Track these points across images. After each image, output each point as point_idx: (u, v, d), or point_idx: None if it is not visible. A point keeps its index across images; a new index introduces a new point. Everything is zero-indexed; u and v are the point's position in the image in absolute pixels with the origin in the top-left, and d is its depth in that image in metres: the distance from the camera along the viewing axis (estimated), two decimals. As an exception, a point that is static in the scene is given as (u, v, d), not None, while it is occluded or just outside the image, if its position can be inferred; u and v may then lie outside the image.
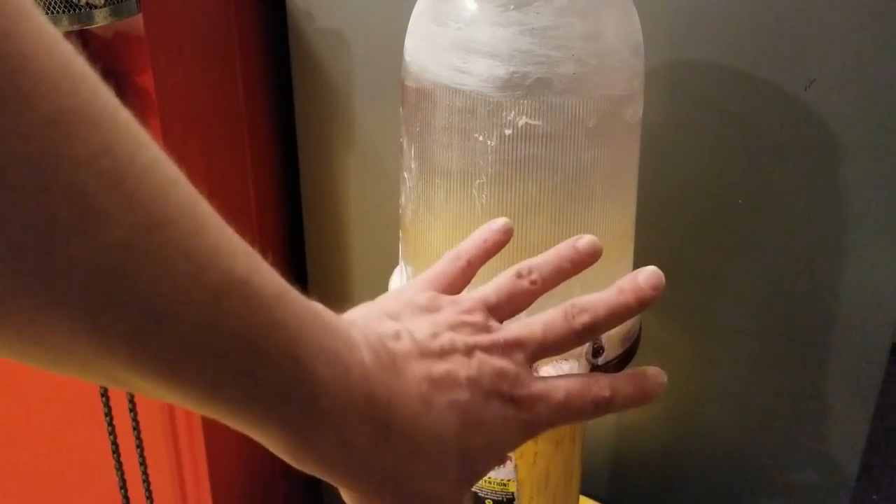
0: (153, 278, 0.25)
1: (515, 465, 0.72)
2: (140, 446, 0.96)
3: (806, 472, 0.93)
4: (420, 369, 0.36)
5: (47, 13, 0.70)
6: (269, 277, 0.30)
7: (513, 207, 0.62)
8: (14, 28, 0.22)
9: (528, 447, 0.72)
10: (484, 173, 0.62)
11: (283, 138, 1.08)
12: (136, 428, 0.94)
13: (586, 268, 0.42)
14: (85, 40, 0.81)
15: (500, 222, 0.45)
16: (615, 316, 0.39)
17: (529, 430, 0.38)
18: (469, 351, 0.37)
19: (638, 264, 0.73)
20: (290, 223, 1.12)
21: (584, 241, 0.42)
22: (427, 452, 0.35)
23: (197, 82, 0.92)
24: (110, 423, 0.92)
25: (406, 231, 0.71)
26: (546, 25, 0.58)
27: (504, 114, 0.60)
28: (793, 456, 0.93)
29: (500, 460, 0.39)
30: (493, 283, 0.41)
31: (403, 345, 0.36)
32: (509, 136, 0.60)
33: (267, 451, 0.34)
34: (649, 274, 0.40)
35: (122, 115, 0.25)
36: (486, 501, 0.74)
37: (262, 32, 1.01)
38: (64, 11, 0.71)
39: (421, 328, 0.37)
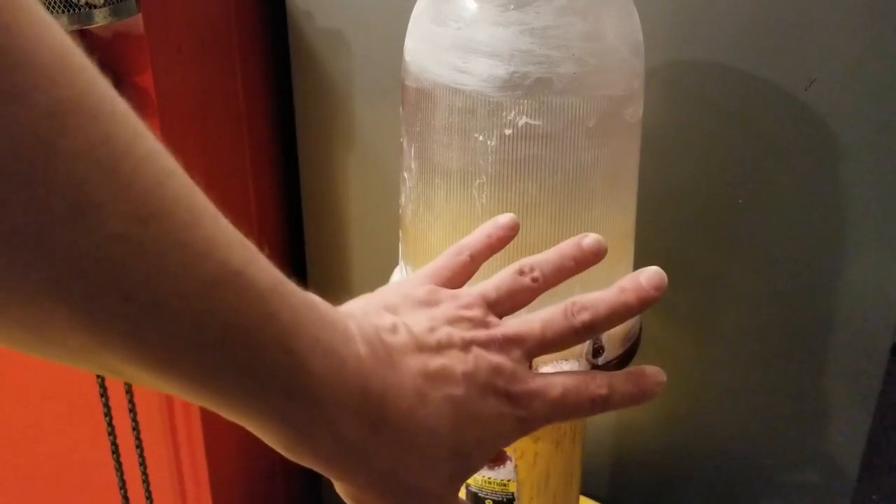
0: (148, 269, 0.26)
1: (515, 466, 0.72)
2: (139, 446, 0.95)
3: (806, 472, 0.93)
4: (416, 363, 0.36)
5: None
6: (264, 269, 0.30)
7: (513, 207, 0.62)
8: (12, 21, 0.22)
9: (529, 447, 0.72)
10: (484, 173, 0.62)
11: (283, 138, 1.08)
12: (136, 428, 0.94)
13: (590, 266, 0.42)
14: (84, 40, 0.81)
15: (505, 218, 0.45)
16: (616, 315, 0.39)
17: (525, 426, 0.38)
18: (466, 346, 0.37)
19: (638, 264, 0.73)
20: (290, 223, 1.12)
21: (589, 239, 0.42)
22: (421, 446, 0.35)
23: (197, 82, 0.92)
24: (110, 424, 0.92)
25: (406, 231, 0.71)
26: (546, 25, 0.58)
27: (504, 114, 0.60)
28: (793, 456, 0.93)
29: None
30: (493, 279, 0.41)
31: (400, 338, 0.36)
32: (509, 135, 0.60)
33: (267, 451, 0.34)
34: (652, 274, 0.40)
35: (120, 107, 0.25)
36: (487, 502, 0.74)
37: (262, 32, 1.01)
38: (64, 11, 0.71)
39: (418, 322, 0.37)
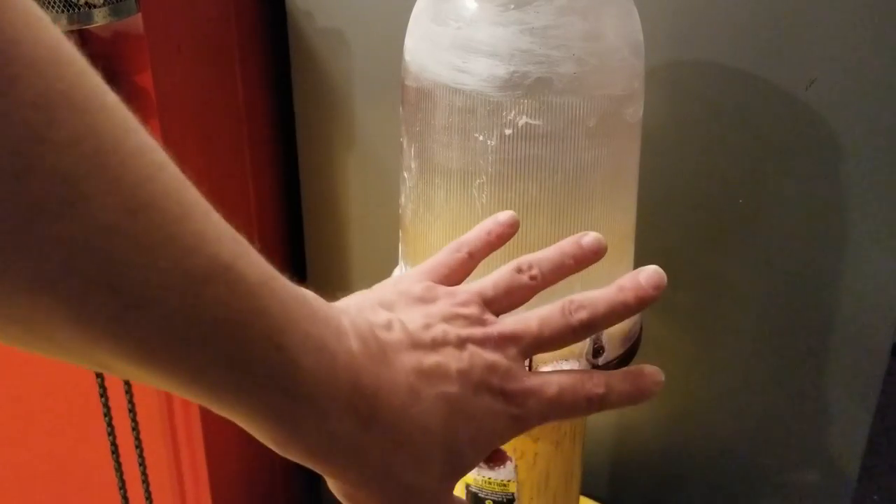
0: (136, 262, 0.25)
1: (516, 466, 0.72)
2: (139, 446, 0.95)
3: (806, 472, 0.93)
4: (410, 360, 0.35)
5: (46, 13, 0.70)
6: (255, 264, 0.30)
7: (513, 207, 0.62)
8: (1, 14, 0.22)
9: (529, 447, 0.72)
10: (484, 173, 0.62)
11: (283, 138, 1.07)
12: (136, 428, 0.94)
13: (590, 265, 0.42)
14: (84, 40, 0.81)
15: (506, 215, 0.45)
16: (614, 314, 0.39)
17: (520, 424, 0.38)
18: (461, 343, 0.37)
19: (638, 264, 0.73)
20: (290, 223, 1.12)
21: (589, 238, 0.42)
22: (413, 444, 0.35)
23: (196, 82, 0.92)
24: (109, 424, 0.92)
25: (406, 231, 0.71)
26: (546, 25, 0.58)
27: (504, 113, 0.60)
28: (793, 456, 0.93)
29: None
30: (491, 277, 0.41)
31: (394, 335, 0.36)
32: (509, 135, 0.60)
33: (267, 451, 0.34)
34: (651, 273, 0.39)
35: (110, 100, 0.25)
36: (487, 502, 0.74)
37: (262, 32, 1.01)
38: (63, 11, 0.71)
39: (414, 319, 0.37)
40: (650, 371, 0.40)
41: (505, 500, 0.73)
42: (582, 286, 0.45)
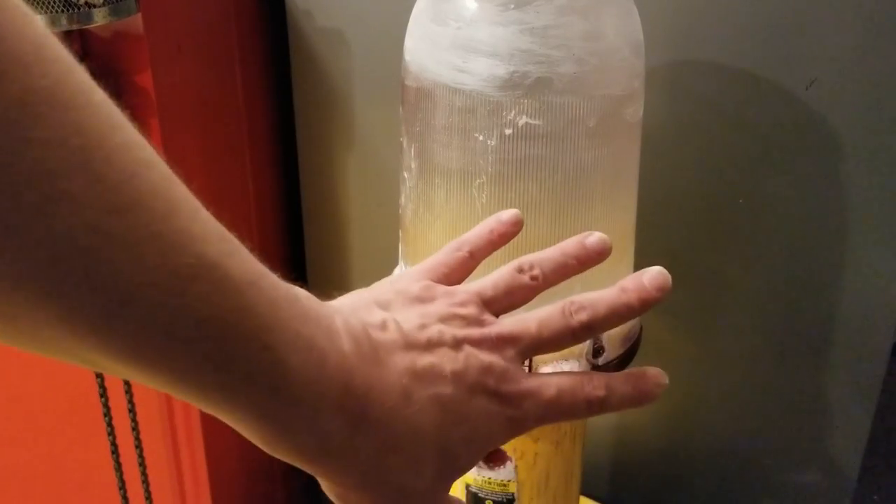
0: (120, 260, 0.25)
1: (516, 466, 0.72)
2: (139, 446, 0.95)
3: (806, 472, 0.93)
4: (403, 361, 0.35)
5: (46, 12, 0.70)
6: (243, 262, 0.29)
7: (513, 207, 0.62)
8: None
9: (529, 447, 0.72)
10: (484, 173, 0.62)
11: (283, 138, 1.08)
12: (136, 428, 0.94)
13: (594, 266, 0.41)
14: (84, 40, 0.81)
15: (509, 213, 0.44)
16: (616, 315, 0.38)
17: (516, 426, 0.37)
18: (457, 344, 0.37)
19: (638, 264, 0.73)
20: (290, 223, 1.12)
21: (594, 238, 0.41)
22: (405, 445, 0.35)
23: (196, 82, 0.92)
24: (109, 424, 0.92)
25: (406, 231, 0.71)
26: (546, 24, 0.58)
27: (504, 113, 0.60)
28: (793, 456, 0.93)
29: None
30: (491, 276, 0.40)
31: (388, 335, 0.35)
32: (509, 135, 0.60)
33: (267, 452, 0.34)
34: (655, 274, 0.39)
35: (96, 97, 0.25)
36: (487, 502, 0.74)
37: (262, 32, 1.01)
38: (63, 11, 0.71)
39: (409, 319, 0.37)
40: (653, 373, 0.40)
41: (505, 500, 0.73)
42: (582, 287, 0.45)
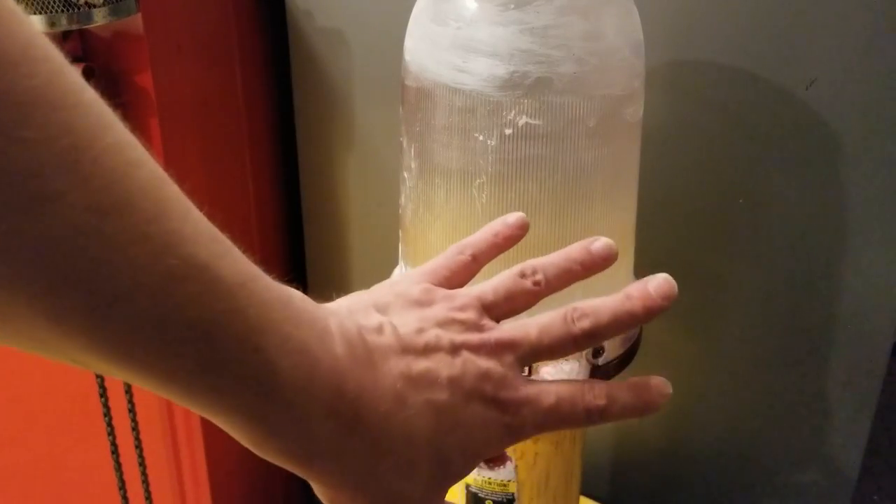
0: (109, 261, 0.25)
1: (516, 466, 0.72)
2: (139, 447, 0.95)
3: (806, 472, 0.93)
4: (398, 366, 0.34)
5: (46, 13, 0.70)
6: (234, 264, 0.29)
7: (513, 207, 0.62)
8: None
9: (529, 448, 0.72)
10: (484, 173, 0.62)
11: (283, 138, 1.07)
12: (135, 428, 0.94)
13: (599, 272, 0.40)
14: (84, 40, 0.81)
15: (515, 217, 0.43)
16: (619, 323, 0.38)
17: (513, 433, 0.37)
18: (455, 349, 0.36)
19: (638, 264, 0.73)
20: (290, 223, 1.12)
21: (600, 243, 0.40)
22: (398, 450, 0.34)
23: (197, 82, 0.92)
24: (109, 424, 0.92)
25: (406, 231, 0.71)
26: (546, 24, 0.58)
27: (504, 113, 0.60)
28: (793, 456, 0.93)
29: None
30: (492, 281, 0.39)
31: (384, 339, 0.35)
32: (509, 135, 0.60)
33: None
34: (661, 282, 0.38)
35: (86, 97, 0.25)
36: (487, 502, 0.74)
37: (262, 32, 1.01)
38: (63, 11, 0.71)
39: (406, 322, 0.36)
40: (656, 383, 0.38)
41: (505, 500, 0.73)
42: (582, 290, 0.44)
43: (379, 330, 0.35)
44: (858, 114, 0.78)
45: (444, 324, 0.37)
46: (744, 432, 0.94)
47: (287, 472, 0.34)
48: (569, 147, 0.61)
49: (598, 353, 0.66)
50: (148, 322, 0.27)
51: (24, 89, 0.23)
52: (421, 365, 0.35)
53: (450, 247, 0.42)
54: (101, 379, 0.90)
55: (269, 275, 0.32)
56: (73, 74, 0.25)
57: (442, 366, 0.35)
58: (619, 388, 0.38)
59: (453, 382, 0.35)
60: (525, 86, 0.59)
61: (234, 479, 1.09)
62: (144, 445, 0.96)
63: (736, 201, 0.85)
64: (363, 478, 0.34)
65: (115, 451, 0.94)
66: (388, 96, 0.94)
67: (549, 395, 0.37)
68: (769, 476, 0.95)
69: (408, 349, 0.35)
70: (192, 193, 0.29)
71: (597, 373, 0.66)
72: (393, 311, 0.37)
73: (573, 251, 0.40)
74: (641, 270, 0.74)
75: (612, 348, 0.67)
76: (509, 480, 0.72)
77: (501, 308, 0.39)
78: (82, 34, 0.80)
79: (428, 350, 0.35)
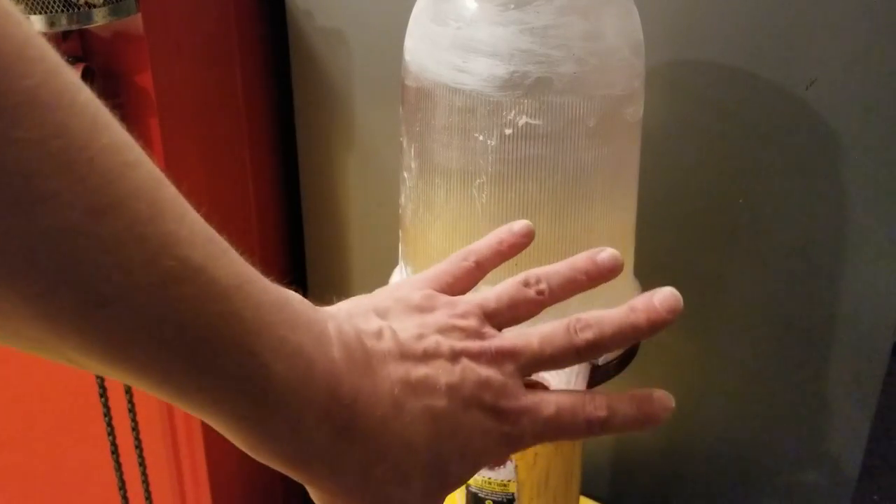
0: (100, 262, 0.25)
1: (516, 466, 0.72)
2: (139, 447, 0.95)
3: (806, 472, 0.93)
4: (397, 371, 0.34)
5: (46, 13, 0.70)
6: (230, 266, 0.29)
7: (513, 207, 0.62)
8: None
9: (528, 448, 0.72)
10: (484, 173, 0.62)
11: (283, 138, 1.08)
12: (135, 428, 0.94)
13: (604, 283, 0.40)
14: (84, 40, 0.81)
15: (521, 224, 0.43)
16: (622, 336, 0.37)
17: (512, 443, 0.36)
18: (455, 356, 0.36)
19: (638, 264, 0.73)
20: (290, 223, 1.12)
21: (605, 254, 0.40)
22: (393, 456, 0.34)
23: (196, 82, 0.92)
24: (109, 424, 0.92)
25: (406, 231, 0.71)
26: (546, 24, 0.58)
27: (504, 113, 0.60)
28: (793, 456, 0.93)
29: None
30: (495, 289, 0.39)
31: (383, 344, 0.35)
32: (509, 135, 0.60)
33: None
34: (666, 295, 0.37)
35: (82, 98, 0.25)
36: (487, 502, 0.74)
37: (262, 32, 1.01)
38: (63, 11, 0.71)
39: (407, 328, 0.36)
40: (659, 396, 0.38)
41: (505, 500, 0.73)
42: (582, 294, 0.44)
43: (378, 335, 0.35)
44: (858, 114, 0.78)
45: (445, 330, 0.36)
46: (744, 432, 0.94)
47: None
48: (569, 147, 0.61)
49: (598, 353, 0.66)
50: (142, 323, 0.27)
51: (18, 90, 0.23)
52: (420, 371, 0.35)
53: (453, 253, 0.42)
54: (101, 379, 0.90)
55: (269, 276, 0.32)
56: (69, 75, 0.25)
57: (441, 372, 0.35)
58: (621, 400, 0.37)
59: (452, 389, 0.35)
60: (525, 86, 0.59)
61: (234, 480, 1.09)
62: (144, 445, 0.96)
63: (736, 201, 0.85)
64: (359, 483, 0.34)
65: (115, 451, 0.94)
66: (388, 96, 0.94)
67: (549, 405, 0.36)
68: (769, 476, 0.95)
69: (407, 355, 0.35)
70: (191, 194, 0.29)
71: (597, 372, 0.66)
72: (393, 316, 0.37)
73: (578, 261, 0.40)
74: (641, 270, 0.74)
75: (612, 348, 0.67)
76: (509, 480, 0.72)
77: (504, 316, 0.38)
78: (82, 34, 0.80)
79: (427, 356, 0.35)
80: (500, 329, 0.38)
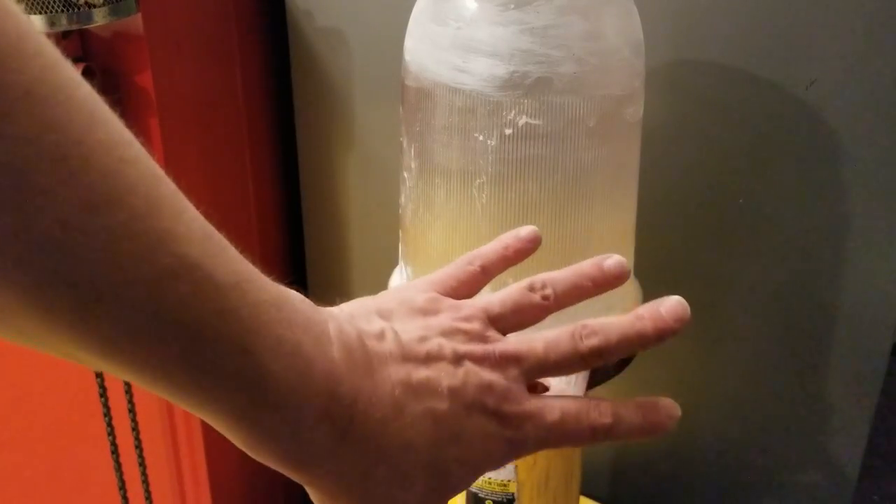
0: (96, 257, 0.25)
1: (516, 466, 0.72)
2: (139, 447, 0.95)
3: (806, 472, 0.93)
4: (398, 373, 0.34)
5: (46, 13, 0.70)
6: (227, 264, 0.29)
7: (513, 207, 0.62)
8: None
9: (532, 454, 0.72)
10: (484, 173, 0.62)
11: (283, 138, 1.08)
12: (135, 428, 0.94)
13: (610, 290, 0.40)
14: (84, 40, 0.81)
15: (527, 230, 0.42)
16: (628, 343, 0.37)
17: (515, 448, 0.36)
18: (457, 360, 0.35)
19: (638, 264, 0.73)
20: (290, 223, 1.12)
21: (612, 261, 0.40)
22: (393, 458, 0.34)
23: (196, 82, 0.92)
24: (109, 424, 0.92)
25: (406, 231, 0.71)
26: (546, 24, 0.58)
27: (504, 113, 0.60)
28: (793, 456, 0.93)
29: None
30: (500, 293, 0.39)
31: (385, 346, 0.34)
32: (509, 135, 0.60)
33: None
34: (673, 304, 0.37)
35: (79, 93, 0.25)
36: (487, 502, 0.74)
37: (262, 32, 1.01)
38: (63, 10, 0.71)
39: (409, 330, 0.36)
40: (665, 404, 0.37)
41: (505, 500, 0.73)
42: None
43: (380, 336, 0.35)
44: (858, 114, 0.78)
45: (448, 333, 0.36)
46: (744, 432, 0.94)
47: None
48: (569, 147, 0.61)
49: (598, 353, 0.66)
50: (137, 319, 0.27)
51: (12, 84, 0.23)
52: (421, 373, 0.34)
53: (459, 257, 0.41)
54: (101, 379, 0.90)
55: (269, 275, 0.31)
56: (67, 70, 0.25)
57: (443, 375, 0.35)
58: (626, 407, 0.37)
59: (454, 393, 0.35)
60: (525, 86, 0.59)
61: (234, 479, 1.09)
62: (144, 445, 0.96)
63: (736, 201, 0.85)
64: (357, 484, 0.33)
65: (115, 451, 0.94)
66: (388, 96, 0.94)
67: (553, 411, 0.36)
68: (769, 476, 0.95)
69: (409, 357, 0.35)
70: (191, 193, 0.29)
71: (597, 372, 0.66)
72: (396, 318, 0.37)
73: (585, 267, 0.39)
74: (641, 270, 0.74)
75: (612, 348, 0.67)
76: (509, 480, 0.72)
77: (508, 321, 0.38)
78: (82, 34, 0.80)
79: (430, 359, 0.35)
80: (504, 334, 0.38)
